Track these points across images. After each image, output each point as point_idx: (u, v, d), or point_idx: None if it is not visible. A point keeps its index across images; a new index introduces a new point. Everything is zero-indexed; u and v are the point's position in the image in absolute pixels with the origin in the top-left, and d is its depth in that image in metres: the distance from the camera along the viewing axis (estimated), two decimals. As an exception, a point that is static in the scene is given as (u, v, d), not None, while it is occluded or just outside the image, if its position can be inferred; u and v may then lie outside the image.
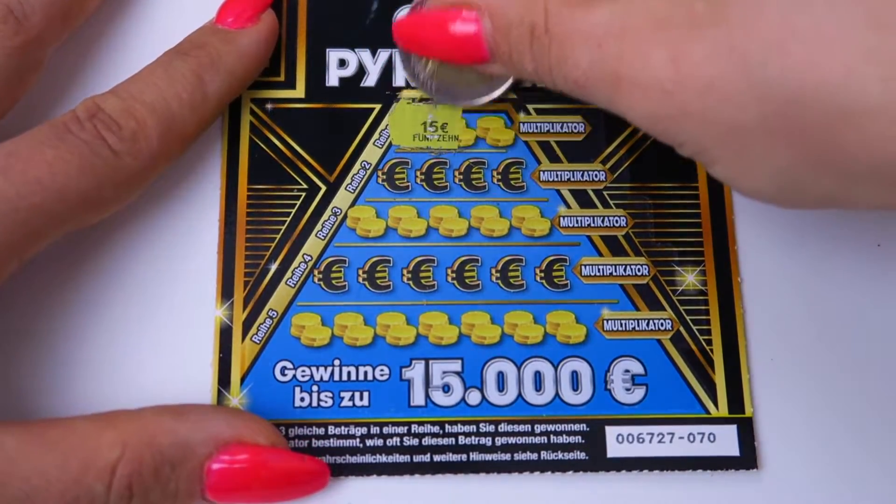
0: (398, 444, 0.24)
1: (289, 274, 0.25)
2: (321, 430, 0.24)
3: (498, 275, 0.26)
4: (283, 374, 0.25)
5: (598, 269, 0.26)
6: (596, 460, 0.24)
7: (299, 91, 0.27)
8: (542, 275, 0.26)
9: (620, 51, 0.20)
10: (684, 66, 0.19)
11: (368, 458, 0.24)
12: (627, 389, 0.25)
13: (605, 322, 0.25)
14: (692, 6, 0.19)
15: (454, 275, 0.26)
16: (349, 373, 0.25)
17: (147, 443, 0.21)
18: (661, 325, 0.25)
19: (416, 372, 0.25)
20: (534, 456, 0.24)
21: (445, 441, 0.24)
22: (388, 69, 0.27)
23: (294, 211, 0.26)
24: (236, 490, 0.22)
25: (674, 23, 0.19)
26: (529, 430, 0.24)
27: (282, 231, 0.26)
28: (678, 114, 0.19)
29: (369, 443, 0.24)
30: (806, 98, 0.17)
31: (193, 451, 0.21)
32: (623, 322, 0.25)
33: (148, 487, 0.21)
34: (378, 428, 0.24)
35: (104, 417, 0.21)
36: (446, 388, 0.25)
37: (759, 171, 0.20)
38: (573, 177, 0.26)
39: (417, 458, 0.24)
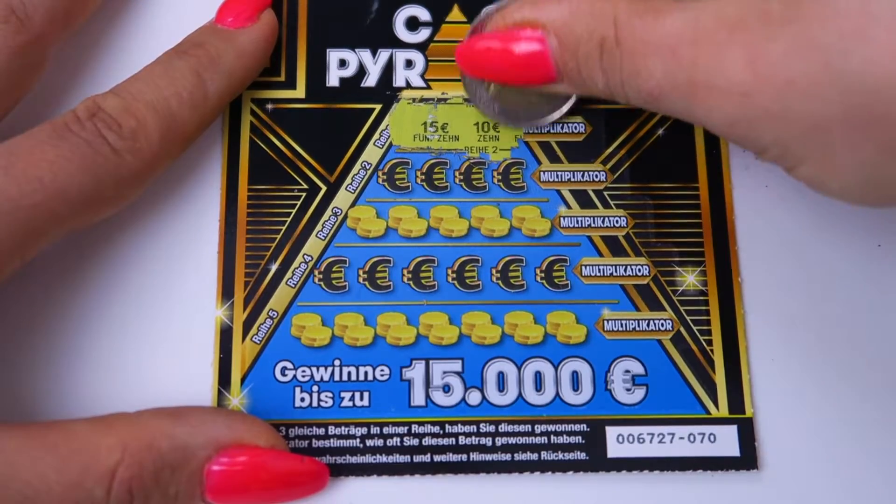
0: (398, 444, 0.24)
1: (289, 274, 0.25)
2: (321, 431, 0.24)
3: (498, 275, 0.26)
4: (283, 374, 0.25)
5: (599, 270, 0.26)
6: (596, 461, 0.24)
7: (300, 91, 0.27)
8: (543, 275, 0.26)
9: (695, 57, 0.20)
10: (762, 66, 0.19)
11: (369, 459, 0.24)
12: (628, 390, 0.25)
13: (605, 322, 0.25)
14: (766, 6, 0.19)
15: (454, 275, 0.26)
16: (349, 373, 0.25)
17: (146, 446, 0.21)
18: (662, 325, 0.25)
19: (416, 372, 0.25)
20: (534, 456, 0.24)
21: (446, 441, 0.24)
22: (388, 69, 0.27)
23: (294, 211, 0.26)
24: (236, 492, 0.22)
25: (748, 24, 0.19)
26: (530, 430, 0.24)
27: (282, 231, 0.26)
28: (759, 115, 0.19)
29: (369, 443, 0.24)
30: (891, 86, 0.17)
31: (193, 453, 0.21)
32: (623, 322, 0.25)
33: (148, 491, 0.21)
34: (378, 428, 0.24)
35: (103, 421, 0.21)
36: (446, 389, 0.25)
37: (844, 168, 0.19)
38: (573, 177, 0.26)
39: (418, 459, 0.24)
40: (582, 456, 0.24)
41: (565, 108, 0.26)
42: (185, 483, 0.21)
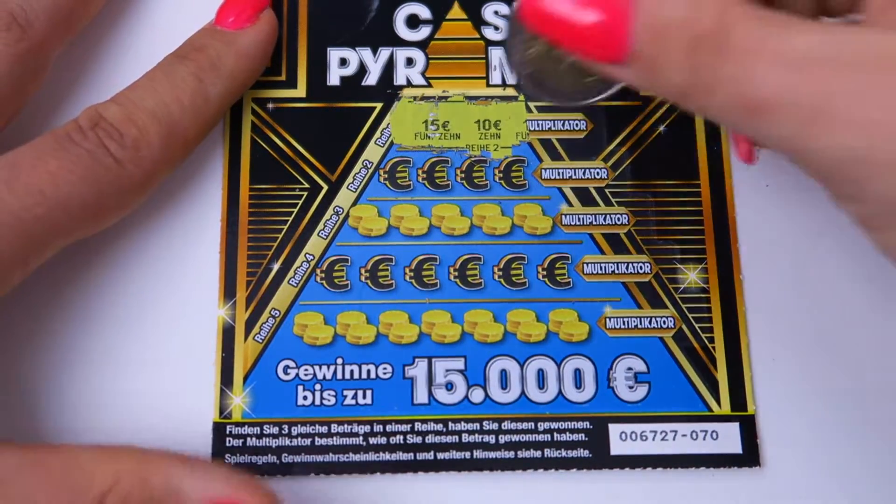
0: (401, 442, 0.24)
1: (291, 273, 0.25)
2: (324, 429, 0.24)
3: (500, 273, 0.26)
4: (285, 372, 0.25)
5: (601, 267, 0.26)
6: (599, 458, 0.24)
7: (300, 90, 0.27)
8: (545, 273, 0.26)
9: (832, 82, 0.17)
10: None
11: (372, 457, 0.24)
12: (630, 387, 0.25)
13: (607, 320, 0.25)
14: None
15: (456, 273, 0.26)
16: (352, 371, 0.25)
17: (140, 480, 0.21)
18: (664, 322, 0.25)
19: (419, 370, 0.25)
20: (537, 454, 0.24)
21: (449, 439, 0.24)
22: (389, 68, 0.27)
23: (296, 210, 0.26)
24: None
25: None
26: (533, 427, 0.24)
27: (284, 230, 0.26)
28: (883, 162, 0.17)
29: (372, 441, 0.24)
30: None
31: (184, 499, 0.21)
32: (625, 320, 0.25)
33: None
34: (381, 426, 0.24)
35: (109, 451, 0.21)
36: (449, 386, 0.25)
37: None
38: (575, 174, 0.26)
39: (421, 456, 0.24)
40: (585, 453, 0.24)
41: (600, 97, 0.23)
42: None
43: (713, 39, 0.18)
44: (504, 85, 0.27)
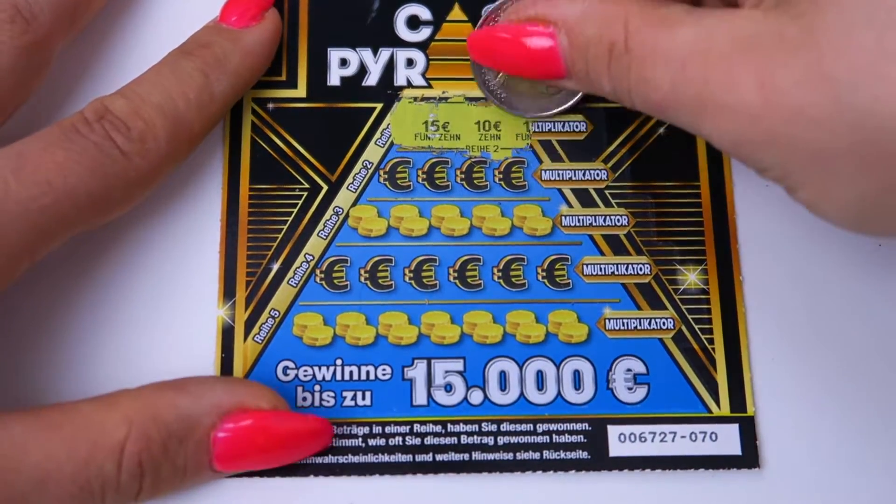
0: (400, 443, 0.24)
1: (291, 273, 0.25)
2: (323, 430, 0.24)
3: (500, 274, 0.26)
4: (285, 373, 0.25)
5: (600, 269, 0.26)
6: (598, 460, 0.24)
7: (301, 90, 0.27)
8: (544, 274, 0.26)
9: (705, 73, 0.19)
10: (773, 91, 0.18)
11: (370, 458, 0.24)
12: (629, 388, 0.25)
13: (606, 321, 0.25)
14: (782, 29, 0.19)
15: (456, 274, 0.26)
16: (351, 372, 0.25)
17: (152, 419, 0.21)
18: (663, 324, 0.25)
19: (418, 371, 0.25)
20: (536, 455, 0.24)
21: (448, 440, 0.24)
22: (389, 68, 0.27)
23: (296, 210, 0.26)
24: (243, 456, 0.22)
25: (762, 46, 0.19)
26: (531, 429, 0.24)
27: (283, 231, 0.26)
28: (765, 139, 0.19)
29: (371, 442, 0.24)
30: None
31: (198, 422, 0.22)
32: (625, 321, 0.25)
33: (158, 463, 0.21)
34: (380, 427, 0.24)
35: (107, 398, 0.22)
36: (448, 388, 0.25)
37: (844, 199, 0.19)
38: (575, 176, 0.26)
39: (420, 458, 0.24)
40: (584, 455, 0.24)
41: (571, 102, 0.26)
42: (192, 452, 0.22)
43: (619, 49, 0.21)
44: (504, 86, 0.27)
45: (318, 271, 0.25)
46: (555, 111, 0.26)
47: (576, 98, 0.26)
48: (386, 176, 0.26)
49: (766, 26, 0.19)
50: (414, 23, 0.27)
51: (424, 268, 0.26)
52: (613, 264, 0.26)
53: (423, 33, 0.27)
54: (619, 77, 0.21)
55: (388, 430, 0.24)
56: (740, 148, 0.20)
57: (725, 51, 0.19)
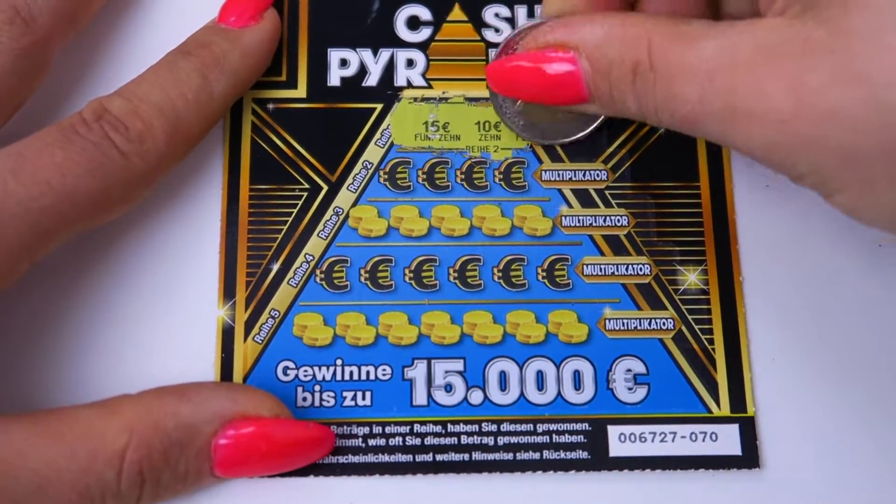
0: (400, 443, 0.24)
1: (291, 274, 0.25)
2: (323, 430, 0.24)
3: (500, 274, 0.26)
4: (285, 373, 0.25)
5: (600, 269, 0.26)
6: (598, 460, 0.24)
7: (301, 91, 0.27)
8: (544, 274, 0.26)
9: (733, 83, 0.19)
10: (803, 94, 0.18)
11: (371, 458, 0.24)
12: (629, 389, 0.25)
13: (606, 321, 0.25)
14: (808, 33, 0.19)
15: (456, 274, 0.26)
16: (351, 372, 0.25)
17: (153, 426, 0.21)
18: (663, 324, 0.25)
19: (418, 371, 0.25)
20: (536, 455, 0.24)
21: (448, 441, 0.24)
22: (389, 68, 0.27)
23: (296, 211, 0.26)
24: (244, 464, 0.22)
25: (789, 51, 0.19)
26: (532, 429, 0.24)
27: (283, 231, 0.26)
28: (798, 142, 0.19)
29: (371, 442, 0.24)
30: None
31: (199, 430, 0.22)
32: (625, 321, 0.25)
33: (158, 471, 0.21)
34: (380, 427, 0.24)
35: (108, 404, 0.22)
36: (448, 388, 0.25)
37: (882, 200, 0.19)
38: (575, 176, 0.26)
39: (420, 458, 0.24)
40: (584, 455, 0.24)
41: (592, 128, 0.26)
42: (193, 460, 0.22)
43: (644, 68, 0.21)
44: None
45: (318, 271, 0.25)
46: (575, 137, 0.26)
47: (597, 122, 0.26)
48: (386, 176, 0.26)
49: (791, 33, 0.19)
50: (414, 23, 0.27)
51: (424, 268, 0.26)
52: (613, 264, 0.26)
53: (424, 34, 0.27)
54: (644, 96, 0.21)
55: (388, 430, 0.24)
56: (773, 154, 0.20)
57: (752, 59, 0.19)
